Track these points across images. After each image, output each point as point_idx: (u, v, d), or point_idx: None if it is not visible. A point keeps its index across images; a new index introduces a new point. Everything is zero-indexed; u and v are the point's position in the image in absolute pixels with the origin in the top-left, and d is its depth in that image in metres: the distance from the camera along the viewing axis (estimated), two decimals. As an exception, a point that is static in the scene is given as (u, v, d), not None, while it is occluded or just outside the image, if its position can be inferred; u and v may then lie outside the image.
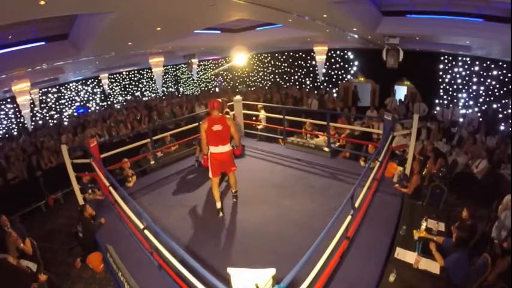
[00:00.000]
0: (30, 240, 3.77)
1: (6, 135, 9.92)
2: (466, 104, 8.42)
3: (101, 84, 12.48)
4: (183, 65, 14.71)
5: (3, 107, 10.04)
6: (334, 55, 10.84)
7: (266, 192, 4.68)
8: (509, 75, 7.33)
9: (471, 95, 8.27)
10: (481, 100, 8.07)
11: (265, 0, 3.72)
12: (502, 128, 7.53)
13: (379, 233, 3.59)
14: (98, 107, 12.75)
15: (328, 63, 10.85)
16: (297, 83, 12.22)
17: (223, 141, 3.93)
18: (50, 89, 11.17)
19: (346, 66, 10.87)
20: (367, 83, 10.73)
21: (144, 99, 13.80)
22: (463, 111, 8.45)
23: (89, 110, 12.37)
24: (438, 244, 3.27)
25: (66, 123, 10.72)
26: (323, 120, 5.99)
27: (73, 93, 12.05)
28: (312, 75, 11.74)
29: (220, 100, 4.20)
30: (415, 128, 4.82)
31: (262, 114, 7.35)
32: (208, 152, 4.00)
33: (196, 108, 9.80)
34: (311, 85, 11.84)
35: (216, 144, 3.90)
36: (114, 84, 13.31)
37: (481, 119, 7.89)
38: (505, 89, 7.54)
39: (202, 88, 15.75)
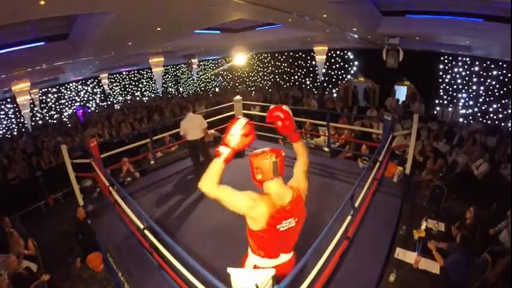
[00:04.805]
0: (31, 240, 3.78)
1: (7, 135, 9.92)
2: (466, 104, 8.42)
3: (100, 84, 12.47)
4: (183, 65, 14.70)
5: (3, 107, 10.04)
6: (334, 55, 10.83)
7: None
8: (509, 75, 7.33)
9: (471, 95, 8.27)
10: (481, 100, 8.07)
11: (265, 0, 3.72)
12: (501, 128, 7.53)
13: (379, 233, 3.59)
14: (98, 107, 12.75)
15: (328, 63, 10.83)
16: (297, 83, 12.20)
17: (288, 247, 2.00)
18: (50, 89, 11.17)
19: (346, 66, 10.85)
20: (367, 83, 10.73)
21: (144, 99, 13.81)
22: (463, 111, 8.44)
23: (89, 110, 12.37)
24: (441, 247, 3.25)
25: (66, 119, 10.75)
26: (323, 120, 5.98)
27: (73, 93, 12.05)
28: (312, 75, 11.73)
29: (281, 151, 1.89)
30: (415, 128, 4.82)
31: (254, 112, 7.31)
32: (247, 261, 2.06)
33: (197, 108, 9.79)
34: (311, 85, 11.83)
35: (275, 254, 1.95)
36: (114, 84, 13.30)
37: (481, 119, 7.89)
38: (505, 89, 7.54)
39: (202, 88, 15.74)
